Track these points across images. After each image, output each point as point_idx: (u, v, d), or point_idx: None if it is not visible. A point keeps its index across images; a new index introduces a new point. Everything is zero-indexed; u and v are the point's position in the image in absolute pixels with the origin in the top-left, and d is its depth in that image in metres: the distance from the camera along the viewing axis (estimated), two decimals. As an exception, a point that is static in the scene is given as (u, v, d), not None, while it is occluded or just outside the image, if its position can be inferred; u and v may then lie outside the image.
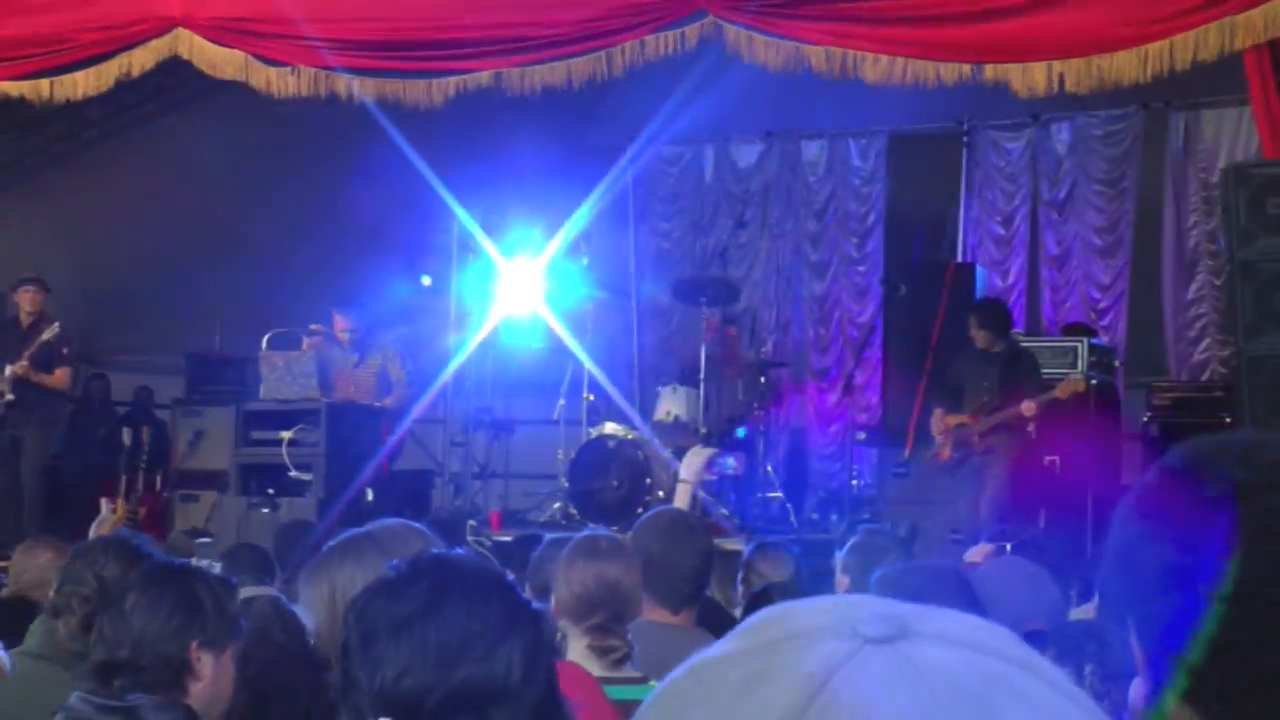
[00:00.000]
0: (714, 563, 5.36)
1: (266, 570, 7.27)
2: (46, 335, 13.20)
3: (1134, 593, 1.74)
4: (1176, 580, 1.67)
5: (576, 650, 4.36)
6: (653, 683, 4.40)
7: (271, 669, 4.10)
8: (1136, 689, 1.72)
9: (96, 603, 4.56)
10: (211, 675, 3.72)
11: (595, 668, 4.30)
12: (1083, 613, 6.62)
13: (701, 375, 13.45)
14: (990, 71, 9.81)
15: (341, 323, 12.93)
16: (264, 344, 12.46)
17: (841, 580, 6.18)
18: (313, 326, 12.82)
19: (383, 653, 2.39)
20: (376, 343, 13.01)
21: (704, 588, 5.39)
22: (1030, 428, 11.66)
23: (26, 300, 13.59)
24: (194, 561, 5.41)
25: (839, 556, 8.13)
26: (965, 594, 3.96)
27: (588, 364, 14.20)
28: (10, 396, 13.22)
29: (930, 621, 1.04)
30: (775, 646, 1.03)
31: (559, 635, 4.49)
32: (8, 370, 13.17)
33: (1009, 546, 7.99)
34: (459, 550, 3.66)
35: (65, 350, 13.54)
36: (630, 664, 4.40)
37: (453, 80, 10.74)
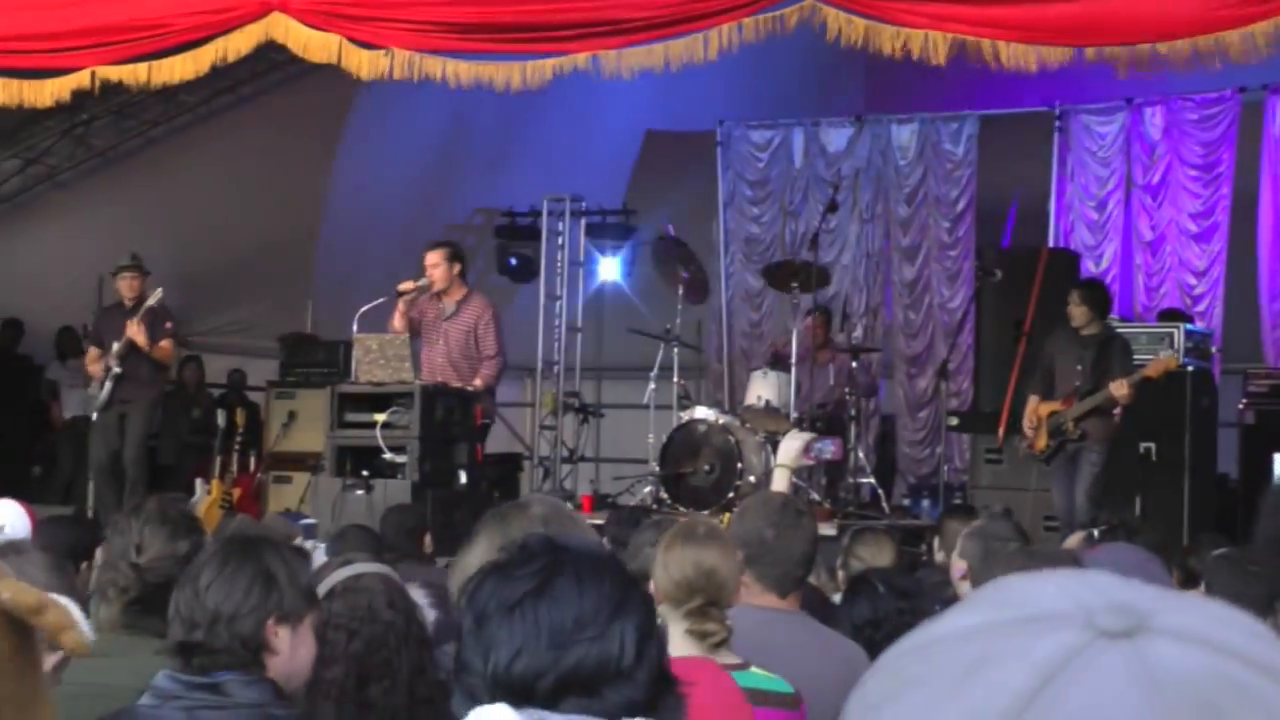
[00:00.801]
0: (818, 546, 5.36)
1: (374, 551, 7.33)
2: (151, 301, 13.41)
3: None
4: None
5: (675, 635, 4.36)
6: (753, 668, 4.40)
7: (376, 646, 4.12)
8: None
9: (135, 590, 4.58)
10: (289, 648, 3.72)
11: (694, 652, 4.30)
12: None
13: (793, 360, 13.41)
14: (1091, 54, 9.72)
15: (432, 257, 12.74)
16: (354, 324, 12.47)
17: (958, 564, 6.17)
18: (400, 286, 12.74)
19: (495, 635, 2.39)
20: (472, 299, 12.87)
21: (810, 572, 5.39)
22: (1116, 411, 11.52)
23: (126, 286, 13.78)
24: (298, 543, 5.43)
25: (939, 542, 8.15)
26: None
27: (678, 349, 14.18)
28: (118, 370, 13.39)
29: (1171, 614, 1.00)
30: (1007, 628, 1.00)
31: (659, 620, 4.48)
32: (115, 345, 13.37)
33: (1095, 533, 7.93)
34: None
35: (169, 324, 13.73)
36: (729, 648, 4.39)
37: (549, 63, 10.71)
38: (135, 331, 13.31)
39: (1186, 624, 0.99)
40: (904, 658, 1.04)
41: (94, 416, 13.67)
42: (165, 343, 13.63)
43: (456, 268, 12.73)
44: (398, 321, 12.56)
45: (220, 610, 3.66)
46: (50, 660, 2.72)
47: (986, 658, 0.99)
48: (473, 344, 12.67)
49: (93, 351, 13.82)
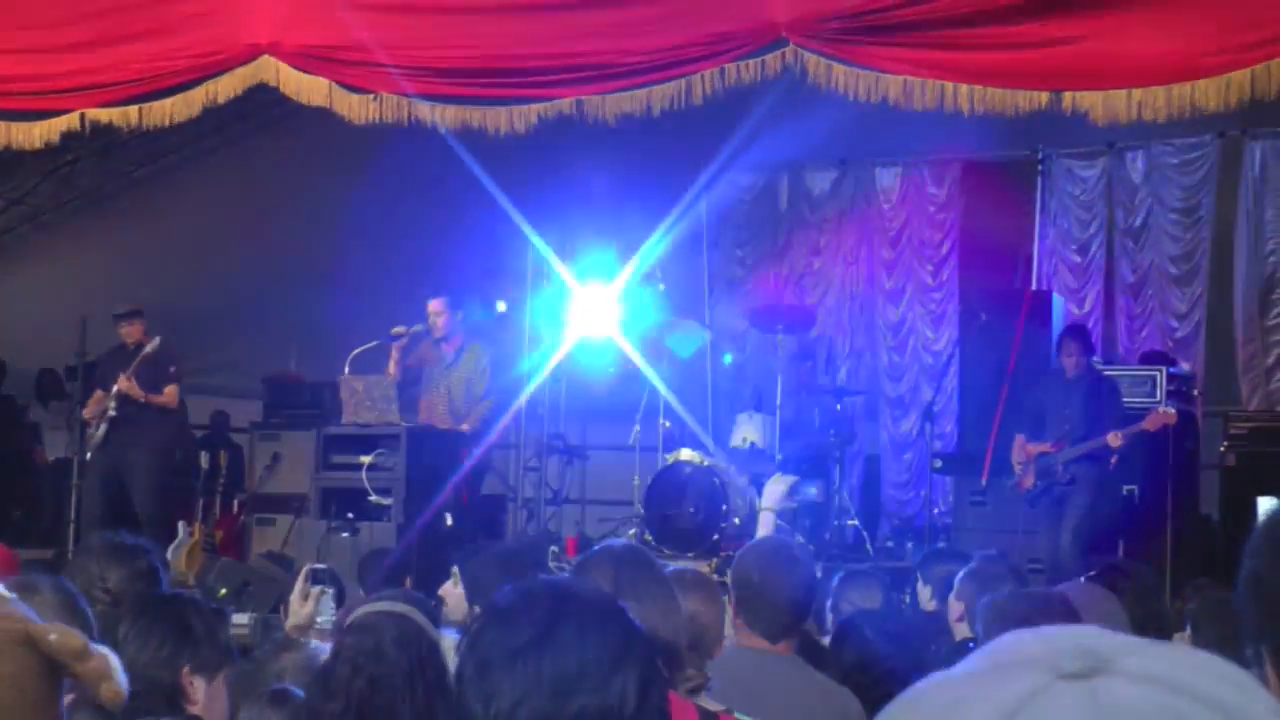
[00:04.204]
0: (816, 593, 5.34)
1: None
2: (148, 349, 13.37)
3: (1268, 618, 1.74)
4: None
5: None
6: (737, 715, 4.40)
7: (381, 687, 4.13)
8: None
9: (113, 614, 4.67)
10: (205, 699, 3.80)
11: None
12: (1178, 641, 6.61)
13: (778, 402, 13.44)
14: (1069, 100, 9.78)
15: (435, 306, 12.87)
16: (347, 367, 12.50)
17: (955, 605, 6.19)
18: (394, 330, 12.84)
19: (497, 683, 2.39)
20: (471, 341, 12.99)
21: (804, 619, 5.37)
22: (1113, 458, 11.64)
23: (125, 333, 13.76)
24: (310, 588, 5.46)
25: (921, 585, 8.16)
26: (1073, 620, 3.94)
27: (663, 390, 14.20)
28: (114, 413, 13.32)
29: (1133, 657, 1.05)
30: (984, 675, 1.06)
31: None
32: (114, 388, 13.32)
33: (1081, 579, 7.99)
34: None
35: (172, 369, 13.69)
36: (709, 694, 4.39)
37: (534, 108, 10.76)
38: (126, 386, 13.31)
39: (1145, 666, 1.04)
40: (897, 707, 1.10)
41: (87, 456, 13.59)
42: (169, 389, 13.59)
43: (459, 315, 12.85)
44: (392, 367, 12.66)
45: (137, 659, 3.74)
46: None
47: (958, 702, 1.05)
48: (472, 391, 12.79)
49: (97, 394, 13.70)
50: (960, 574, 6.46)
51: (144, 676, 3.71)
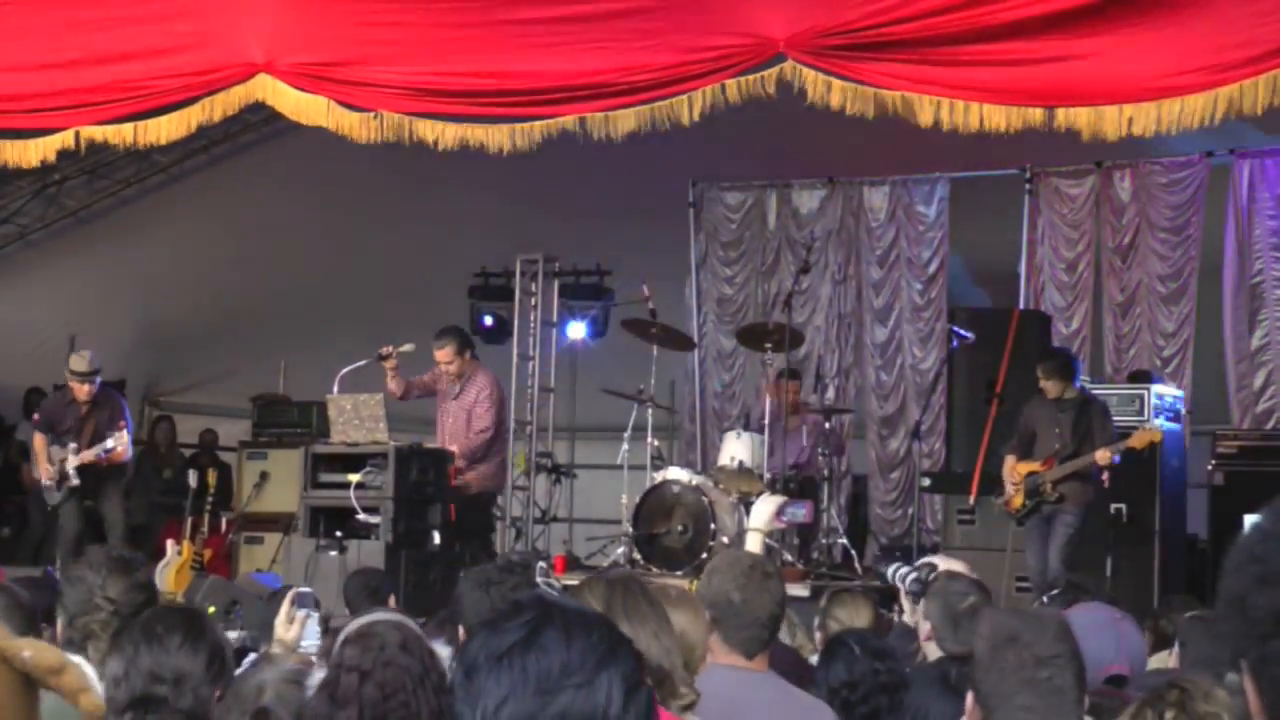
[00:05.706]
0: (786, 607, 5.36)
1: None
2: (91, 452, 13.27)
3: (1248, 635, 1.75)
4: None
5: None
6: None
7: (392, 690, 4.12)
8: None
9: (117, 622, 4.68)
10: None
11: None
12: (1161, 660, 6.61)
13: (766, 420, 13.44)
14: (1062, 116, 9.82)
15: (444, 355, 12.99)
16: (335, 385, 12.50)
17: (924, 625, 6.17)
18: (381, 350, 12.86)
19: (484, 684, 2.40)
20: (476, 377, 13.06)
21: (777, 633, 5.39)
22: (1104, 476, 11.65)
23: (80, 391, 13.53)
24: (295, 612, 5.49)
25: (910, 605, 8.15)
26: (1067, 640, 3.94)
27: (651, 409, 14.19)
28: (75, 482, 13.29)
29: None
30: None
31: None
32: (72, 459, 13.26)
33: (1044, 599, 7.99)
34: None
35: (122, 424, 13.55)
36: (694, 712, 4.38)
37: (537, 125, 10.76)
38: (85, 458, 13.24)
39: None
40: None
41: (55, 505, 13.48)
42: (120, 448, 13.45)
43: (468, 354, 12.94)
44: (390, 384, 12.76)
45: (190, 672, 3.72)
46: None
47: None
48: (473, 423, 12.86)
49: (39, 441, 13.65)
50: (923, 592, 6.43)
51: (192, 691, 3.70)
